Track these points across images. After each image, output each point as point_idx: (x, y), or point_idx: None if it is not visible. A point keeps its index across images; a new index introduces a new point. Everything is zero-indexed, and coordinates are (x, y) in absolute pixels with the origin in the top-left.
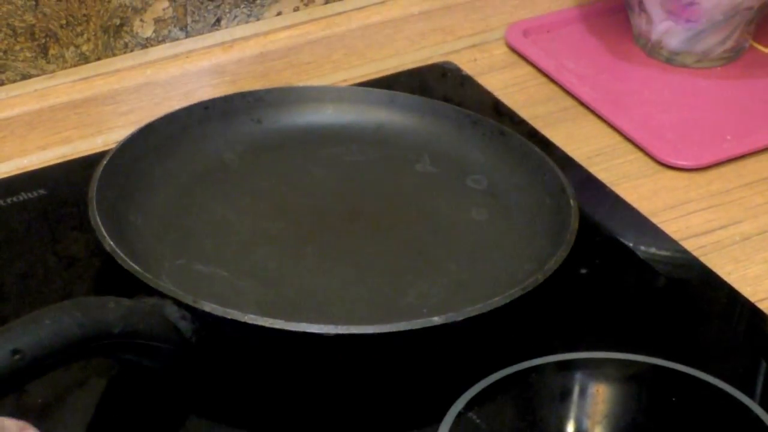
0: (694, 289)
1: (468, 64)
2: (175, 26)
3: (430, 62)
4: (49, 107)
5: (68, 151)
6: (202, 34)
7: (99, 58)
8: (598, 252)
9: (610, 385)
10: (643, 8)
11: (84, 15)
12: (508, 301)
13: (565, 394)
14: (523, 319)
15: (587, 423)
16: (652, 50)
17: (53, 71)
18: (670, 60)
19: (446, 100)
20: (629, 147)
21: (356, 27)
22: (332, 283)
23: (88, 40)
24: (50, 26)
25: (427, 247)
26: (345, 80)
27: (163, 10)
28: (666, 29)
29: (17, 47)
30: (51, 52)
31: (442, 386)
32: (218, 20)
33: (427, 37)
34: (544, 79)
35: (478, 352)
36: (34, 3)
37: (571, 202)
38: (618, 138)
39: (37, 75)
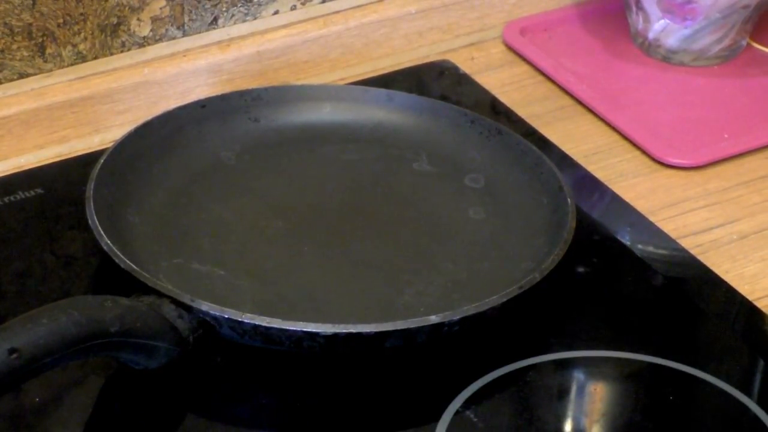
0: (692, 287)
1: (465, 63)
2: (172, 25)
3: (427, 61)
4: (46, 106)
5: (65, 150)
6: (199, 33)
7: (96, 57)
8: (595, 250)
9: (608, 383)
10: (640, 7)
11: (81, 14)
12: (505, 299)
13: (562, 393)
14: (521, 317)
15: (585, 422)
16: (650, 49)
17: (50, 70)
18: (668, 58)
19: (444, 98)
20: (627, 145)
21: (353, 26)
22: (329, 282)
23: (85, 39)
24: (47, 25)
25: (425, 245)
26: (342, 79)
27: (160, 9)
28: (663, 28)
29: (14, 46)
30: (48, 51)
31: (439, 385)
32: (215, 19)
33: (424, 36)
34: (541, 78)
35: (476, 350)
36: (31, 2)
37: (569, 200)
38: (615, 136)
39: (34, 74)
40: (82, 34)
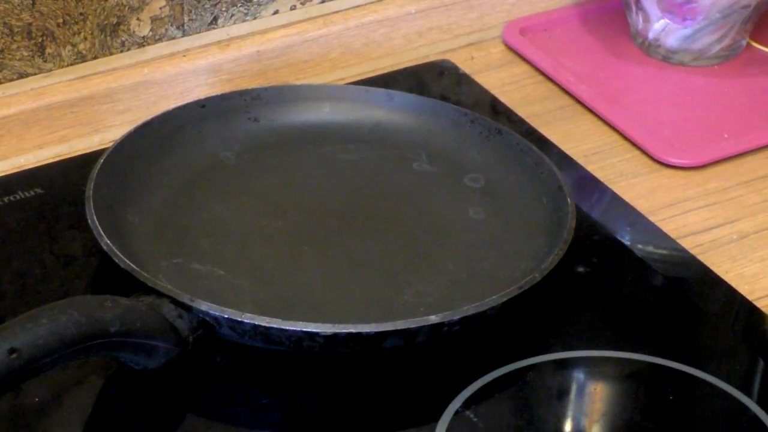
0: (692, 287)
1: (465, 63)
2: (171, 25)
3: (427, 61)
4: (46, 106)
5: (65, 149)
6: (199, 32)
7: (96, 57)
8: (595, 250)
9: (608, 383)
10: (640, 7)
11: (81, 14)
12: (505, 299)
13: (562, 393)
14: (521, 317)
15: (584, 421)
16: (650, 48)
17: (50, 70)
18: (668, 58)
19: (443, 98)
20: (626, 145)
21: (353, 25)
22: (329, 282)
23: (85, 38)
24: (47, 25)
25: (425, 245)
26: (342, 79)
27: (160, 8)
28: (663, 28)
29: (14, 46)
30: (48, 50)
31: (439, 385)
32: (215, 19)
33: (424, 36)
34: (541, 78)
35: (476, 350)
36: (31, 2)
37: (569, 200)
38: (615, 136)
39: (34, 74)
40: (82, 34)
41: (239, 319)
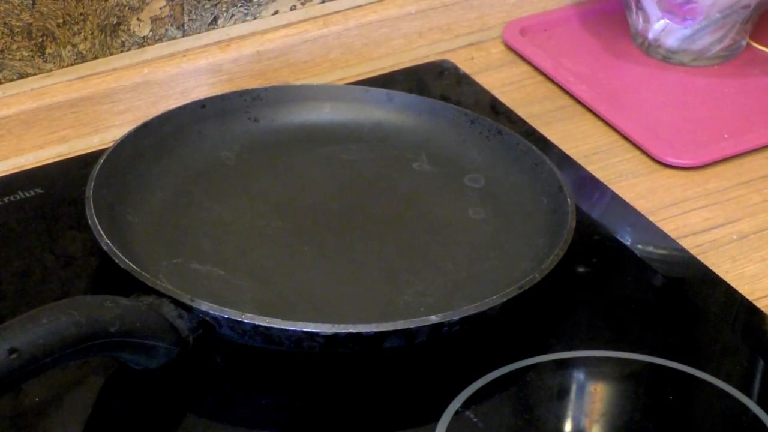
0: (692, 287)
1: (465, 63)
2: (172, 25)
3: (427, 61)
4: (46, 106)
5: (65, 150)
6: (199, 32)
7: (96, 57)
8: (595, 250)
9: (608, 383)
10: (640, 7)
11: (81, 14)
12: (505, 299)
13: (562, 393)
14: (521, 317)
15: (584, 422)
16: (650, 49)
17: (50, 70)
18: (668, 58)
19: (443, 98)
20: (626, 145)
21: (353, 26)
22: (329, 282)
23: (85, 39)
24: (47, 25)
25: (425, 245)
26: (342, 79)
27: (160, 9)
28: (663, 28)
29: (14, 46)
30: (48, 50)
31: (439, 385)
32: (215, 19)
33: (424, 36)
34: (541, 78)
35: (476, 350)
36: (31, 2)
37: (569, 200)
38: (615, 136)
39: (34, 74)
40: (82, 34)
41: (239, 319)
